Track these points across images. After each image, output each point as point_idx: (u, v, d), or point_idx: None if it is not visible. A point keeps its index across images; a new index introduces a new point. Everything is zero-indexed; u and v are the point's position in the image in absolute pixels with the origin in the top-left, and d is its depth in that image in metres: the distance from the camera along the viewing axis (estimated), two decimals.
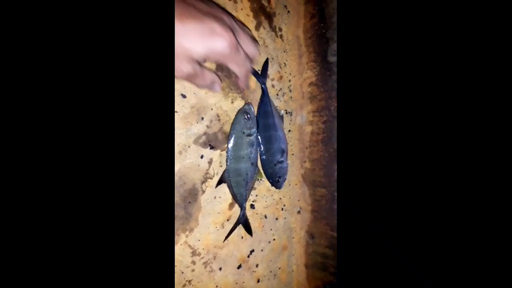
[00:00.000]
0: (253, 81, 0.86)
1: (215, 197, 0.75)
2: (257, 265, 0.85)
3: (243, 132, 0.76)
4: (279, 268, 0.93)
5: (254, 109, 0.83)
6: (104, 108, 0.37)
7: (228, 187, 0.76)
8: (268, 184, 0.90)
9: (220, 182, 0.74)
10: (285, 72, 0.98)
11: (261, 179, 0.86)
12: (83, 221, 0.35)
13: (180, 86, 0.68)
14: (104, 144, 0.37)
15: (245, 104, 0.79)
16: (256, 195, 0.87)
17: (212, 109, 0.74)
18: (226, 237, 0.76)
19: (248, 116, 0.76)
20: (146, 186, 0.38)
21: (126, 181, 0.37)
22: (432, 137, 0.42)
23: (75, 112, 0.36)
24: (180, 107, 0.68)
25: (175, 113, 0.67)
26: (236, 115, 0.77)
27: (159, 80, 0.41)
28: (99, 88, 0.37)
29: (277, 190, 0.93)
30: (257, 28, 0.89)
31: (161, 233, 0.38)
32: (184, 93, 0.68)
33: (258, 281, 0.86)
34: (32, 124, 0.34)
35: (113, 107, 0.38)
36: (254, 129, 0.78)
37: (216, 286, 0.74)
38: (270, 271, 0.90)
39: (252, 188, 0.82)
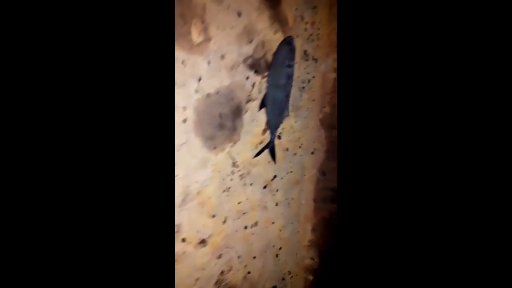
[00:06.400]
0: (291, 16, 0.89)
1: (253, 120, 0.81)
2: (277, 190, 0.95)
3: (284, 62, 0.81)
4: (292, 198, 1.03)
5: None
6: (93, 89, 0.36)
7: (266, 112, 0.82)
8: (291, 121, 0.97)
9: (262, 105, 0.79)
10: (316, 19, 1.03)
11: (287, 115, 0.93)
12: (76, 218, 0.36)
13: (236, 4, 0.70)
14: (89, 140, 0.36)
15: (288, 36, 0.83)
16: (283, 128, 0.95)
17: (259, 34, 0.78)
18: (256, 155, 0.83)
19: (290, 47, 0.81)
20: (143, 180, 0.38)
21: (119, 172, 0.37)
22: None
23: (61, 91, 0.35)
24: (236, 24, 0.71)
25: (232, 28, 0.70)
26: (279, 45, 0.81)
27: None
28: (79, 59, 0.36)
29: (298, 128, 1.01)
30: None
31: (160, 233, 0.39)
32: (239, 11, 0.71)
33: (277, 204, 0.95)
34: (25, 127, 0.33)
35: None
36: (294, 62, 0.83)
37: (247, 199, 0.83)
38: (286, 199, 1.00)
39: (284, 119, 0.88)
